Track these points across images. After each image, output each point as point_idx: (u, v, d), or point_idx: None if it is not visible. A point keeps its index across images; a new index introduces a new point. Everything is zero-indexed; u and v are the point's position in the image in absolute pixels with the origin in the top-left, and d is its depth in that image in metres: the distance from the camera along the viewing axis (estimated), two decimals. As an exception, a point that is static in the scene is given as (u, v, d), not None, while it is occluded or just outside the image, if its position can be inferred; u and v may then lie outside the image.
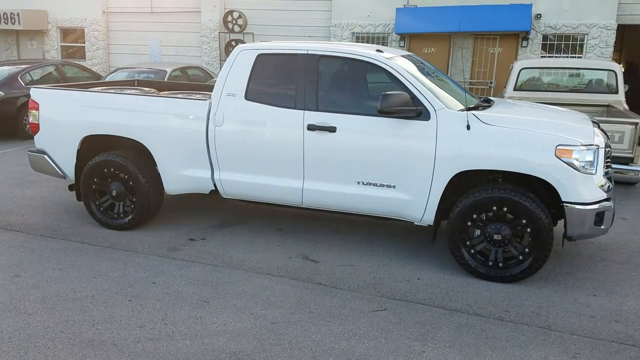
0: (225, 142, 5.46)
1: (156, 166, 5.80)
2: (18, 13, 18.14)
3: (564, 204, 4.62)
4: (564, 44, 14.21)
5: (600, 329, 4.07)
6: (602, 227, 4.73)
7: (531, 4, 13.67)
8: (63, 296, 4.37)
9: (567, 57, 14.00)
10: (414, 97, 4.93)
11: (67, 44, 19.35)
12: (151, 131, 5.65)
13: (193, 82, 10.29)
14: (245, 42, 16.14)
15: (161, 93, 6.62)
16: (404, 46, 15.23)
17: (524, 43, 14.34)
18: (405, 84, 5.00)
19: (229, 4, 17.13)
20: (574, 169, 4.57)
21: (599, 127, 5.27)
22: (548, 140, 4.62)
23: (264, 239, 5.76)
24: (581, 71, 10.21)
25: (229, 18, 16.82)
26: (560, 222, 5.10)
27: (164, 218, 6.35)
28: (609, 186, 4.83)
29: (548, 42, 14.31)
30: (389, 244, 5.70)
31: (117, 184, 5.87)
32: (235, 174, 5.54)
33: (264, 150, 5.35)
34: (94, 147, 6.06)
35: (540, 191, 4.93)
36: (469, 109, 5.04)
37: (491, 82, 14.62)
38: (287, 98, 5.32)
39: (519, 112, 5.29)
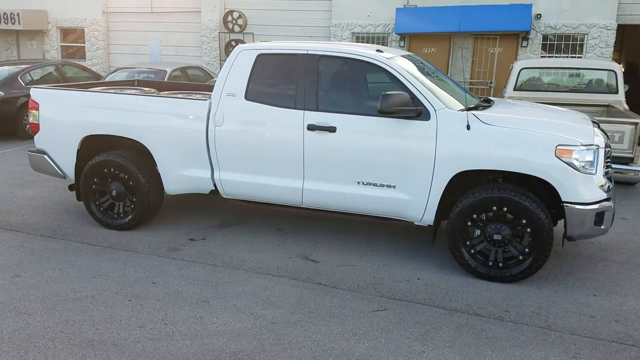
0: (225, 142, 5.46)
1: (156, 166, 5.80)
2: (18, 13, 18.15)
3: (564, 204, 4.62)
4: (564, 44, 14.21)
5: (600, 329, 4.07)
6: (602, 227, 4.73)
7: (531, 4, 13.67)
8: (63, 296, 4.37)
9: (567, 57, 14.00)
10: (414, 97, 4.93)
11: (67, 44, 19.36)
12: (151, 131, 5.65)
13: (193, 82, 10.29)
14: (245, 42, 16.16)
15: (161, 93, 6.62)
16: (404, 46, 15.23)
17: (524, 43, 14.34)
18: (405, 84, 5.00)
19: (229, 4, 17.13)
20: (574, 169, 4.57)
21: (599, 127, 5.28)
22: (548, 140, 4.62)
23: (264, 239, 5.76)
24: (581, 71, 10.22)
25: (229, 18, 16.82)
26: (560, 222, 5.10)
27: (164, 218, 6.35)
28: (609, 186, 4.83)
29: (548, 42, 14.31)
30: (389, 244, 5.70)
31: (117, 184, 5.87)
32: (235, 174, 5.54)
33: (264, 150, 5.36)
34: (94, 147, 6.06)
35: (540, 191, 4.93)
36: (469, 109, 5.04)
37: (491, 82, 14.63)
38: (287, 98, 5.32)
39: (519, 112, 5.29)
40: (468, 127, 4.79)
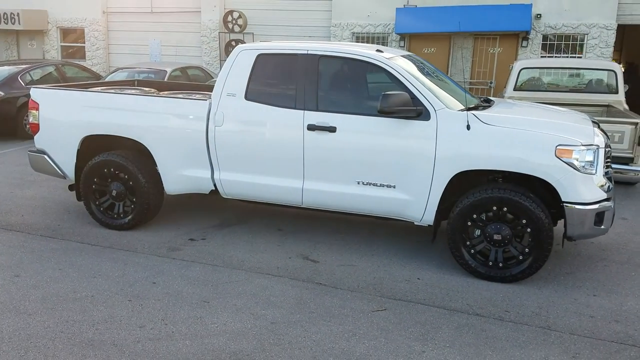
0: (225, 142, 5.46)
1: (156, 166, 5.80)
2: (18, 13, 18.15)
3: (564, 204, 4.62)
4: (564, 44, 14.21)
5: (600, 329, 4.07)
6: (602, 227, 4.72)
7: (531, 4, 13.67)
8: (63, 296, 4.37)
9: (567, 57, 14.00)
10: (414, 97, 4.93)
11: (67, 44, 19.35)
12: (151, 131, 5.65)
13: (193, 82, 10.29)
14: (245, 42, 16.16)
15: (161, 93, 6.62)
16: (404, 46, 15.23)
17: (524, 43, 14.34)
18: (405, 84, 5.00)
19: (229, 4, 17.13)
20: (574, 169, 4.57)
21: (599, 127, 5.27)
22: (548, 140, 4.62)
23: (264, 239, 5.76)
24: (581, 71, 10.22)
25: (229, 18, 16.82)
26: (560, 222, 5.10)
27: (163, 218, 6.35)
28: (609, 186, 4.83)
29: (548, 42, 14.31)
30: (389, 244, 5.70)
31: (117, 184, 5.87)
32: (236, 174, 5.54)
33: (264, 150, 5.35)
34: (94, 147, 6.06)
35: (540, 191, 4.93)
36: (469, 109, 5.04)
37: (491, 82, 14.63)
38: (287, 98, 5.32)
39: (519, 112, 5.29)
40: (468, 127, 4.79)
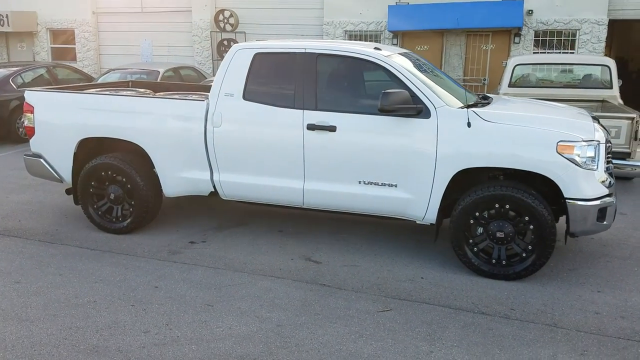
0: (224, 143, 5.42)
1: (154, 168, 5.74)
2: (7, 15, 17.97)
3: (566, 200, 4.62)
4: (556, 39, 14.25)
5: (607, 325, 4.07)
6: (605, 222, 4.73)
7: (523, 0, 13.69)
8: (65, 302, 4.32)
9: (561, 53, 14.04)
10: (413, 95, 4.91)
11: (57, 45, 19.19)
12: (149, 133, 5.59)
13: (188, 83, 10.22)
14: (237, 41, 16.09)
15: (157, 94, 6.56)
16: (396, 44, 15.21)
17: (516, 39, 14.36)
18: (405, 81, 4.98)
19: (220, 2, 17.04)
20: (576, 165, 4.56)
21: (598, 122, 5.28)
22: (549, 136, 4.61)
23: (265, 241, 5.72)
24: (575, 66, 10.23)
25: (221, 17, 16.74)
26: (562, 219, 5.10)
27: (162, 221, 6.30)
28: (610, 182, 4.83)
29: (540, 38, 14.34)
30: (391, 244, 5.68)
31: (114, 187, 5.81)
32: (235, 175, 5.50)
33: (264, 150, 5.32)
34: (90, 150, 6.00)
35: (541, 188, 4.92)
36: (468, 106, 5.02)
37: (484, 79, 14.65)
38: (286, 97, 5.28)
39: (518, 108, 5.29)
40: (469, 125, 4.78)
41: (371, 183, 5.10)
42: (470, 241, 4.88)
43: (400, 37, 15.25)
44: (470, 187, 4.97)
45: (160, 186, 5.78)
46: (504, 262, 4.80)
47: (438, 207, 4.93)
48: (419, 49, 14.95)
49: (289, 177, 5.32)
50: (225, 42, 16.61)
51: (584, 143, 4.61)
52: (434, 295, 4.52)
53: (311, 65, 5.24)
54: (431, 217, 5.01)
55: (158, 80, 11.81)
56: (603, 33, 13.75)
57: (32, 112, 6.01)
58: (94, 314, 4.13)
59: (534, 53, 14.18)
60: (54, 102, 5.95)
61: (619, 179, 8.12)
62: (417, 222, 5.13)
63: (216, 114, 5.41)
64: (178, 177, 5.66)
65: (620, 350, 3.73)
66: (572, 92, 9.68)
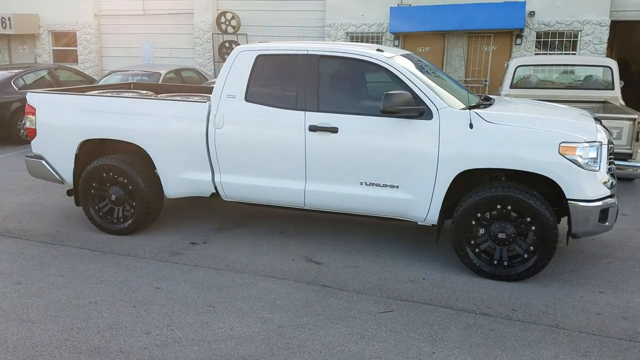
0: (226, 145, 5.42)
1: (155, 170, 5.74)
2: (9, 17, 17.99)
3: (569, 201, 4.61)
4: (558, 41, 14.24)
5: (609, 326, 4.06)
6: (607, 223, 4.72)
7: (525, 2, 13.68)
8: (66, 303, 4.31)
9: (562, 54, 14.03)
10: (416, 97, 4.91)
11: (58, 47, 19.21)
12: (150, 134, 5.59)
13: (190, 85, 10.23)
14: (239, 43, 16.11)
15: (159, 96, 6.56)
16: (398, 45, 15.22)
17: (518, 41, 14.36)
18: (407, 83, 4.98)
19: (222, 5, 17.07)
20: (578, 166, 4.56)
21: (600, 123, 5.27)
22: (551, 137, 4.60)
23: (266, 242, 5.72)
24: (577, 68, 10.22)
25: (222, 19, 16.75)
26: (563, 220, 5.09)
27: (163, 222, 6.30)
28: (612, 182, 4.82)
29: (542, 40, 14.34)
30: (392, 245, 5.68)
31: (116, 188, 5.81)
32: (236, 176, 5.50)
33: (265, 152, 5.32)
34: (92, 151, 6.00)
35: (542, 189, 4.92)
36: (470, 108, 5.02)
37: (486, 80, 14.65)
38: (288, 99, 5.28)
39: (520, 109, 5.28)
40: (471, 126, 4.78)
41: (373, 184, 5.09)
42: (472, 242, 4.88)
43: (402, 39, 15.26)
44: (472, 188, 4.96)
45: (162, 187, 5.78)
46: (505, 263, 4.80)
47: (440, 208, 4.93)
48: (420, 50, 14.96)
49: (290, 179, 5.32)
50: (227, 44, 16.63)
51: (586, 144, 4.60)
52: (436, 296, 4.51)
53: (313, 67, 5.24)
54: (433, 218, 5.01)
55: (159, 82, 11.82)
56: (605, 34, 13.74)
57: (33, 113, 6.01)
58: (95, 315, 4.13)
59: (535, 54, 14.18)
60: (55, 103, 5.95)
61: (621, 180, 8.12)
62: (419, 223, 5.13)
63: (218, 116, 5.41)
64: (179, 178, 5.67)
65: (622, 351, 3.72)
66: (574, 93, 9.67)
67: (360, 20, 15.57)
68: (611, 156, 5.02)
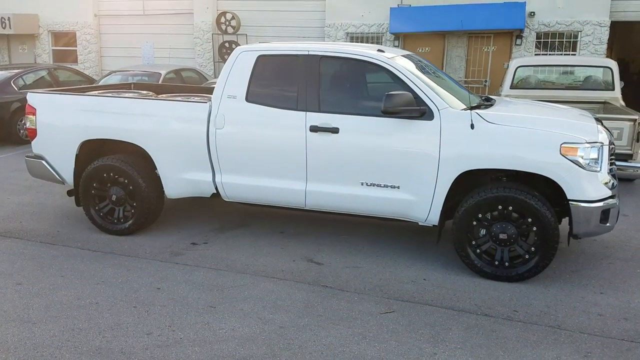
0: (227, 145, 5.42)
1: (156, 170, 5.74)
2: (9, 17, 17.98)
3: (570, 202, 4.61)
4: (558, 41, 14.25)
5: (610, 327, 4.05)
6: (608, 224, 4.72)
7: (525, 2, 13.68)
8: (67, 304, 4.31)
9: (563, 54, 14.03)
10: (417, 97, 4.90)
11: (58, 47, 19.20)
12: (151, 134, 5.59)
13: (191, 85, 10.23)
14: (239, 44, 16.10)
15: (160, 96, 6.55)
16: (398, 46, 15.22)
17: (518, 41, 14.36)
18: (408, 83, 4.98)
19: (222, 5, 17.06)
20: (579, 166, 4.56)
21: (601, 124, 5.27)
22: (553, 138, 4.60)
23: (266, 242, 5.71)
24: (577, 68, 10.22)
25: (222, 19, 16.74)
26: (564, 220, 5.09)
27: (164, 222, 6.29)
28: (613, 183, 4.82)
29: (542, 40, 14.34)
30: (393, 245, 5.67)
31: (116, 188, 5.80)
32: (237, 176, 5.49)
33: (266, 152, 5.31)
34: (92, 151, 6.00)
35: (544, 189, 4.92)
36: (472, 108, 5.02)
37: (486, 81, 14.65)
38: (289, 99, 5.28)
39: (521, 110, 5.28)
40: (472, 126, 4.77)
41: (374, 185, 5.09)
42: (473, 243, 4.88)
43: (402, 39, 15.26)
44: (473, 188, 4.96)
45: (162, 187, 5.77)
46: (506, 264, 4.79)
47: (441, 208, 4.93)
48: (420, 50, 14.96)
49: (291, 179, 5.31)
50: (227, 45, 16.62)
51: (588, 145, 4.60)
52: (437, 297, 4.51)
53: (314, 68, 5.23)
54: (434, 218, 5.00)
55: (159, 82, 11.81)
56: (605, 35, 13.74)
57: (34, 114, 6.01)
58: (96, 315, 4.12)
59: (535, 55, 14.18)
60: (56, 104, 5.94)
61: (621, 181, 8.12)
62: (420, 223, 5.12)
63: (219, 116, 5.41)
64: (180, 179, 5.66)
65: (624, 352, 3.72)
66: (574, 93, 9.66)
67: (360, 21, 15.56)
68: (612, 157, 5.02)
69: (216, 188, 5.63)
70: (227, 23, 16.72)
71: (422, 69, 5.43)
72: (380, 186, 5.07)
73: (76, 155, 5.90)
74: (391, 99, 4.75)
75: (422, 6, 14.49)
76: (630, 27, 16.04)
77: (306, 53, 5.28)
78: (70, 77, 13.07)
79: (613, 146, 5.08)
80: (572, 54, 14.01)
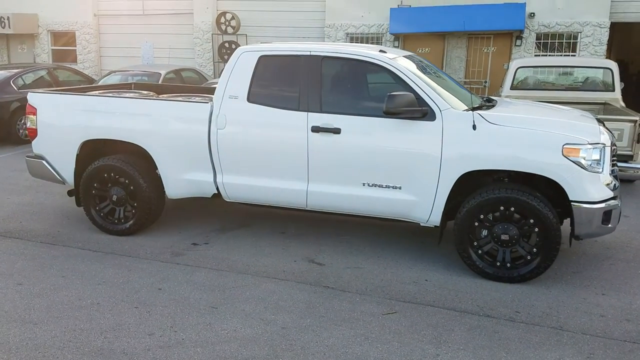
0: (228, 145, 5.41)
1: (157, 170, 5.73)
2: (8, 17, 17.95)
3: (572, 203, 4.61)
4: (558, 42, 14.26)
5: (612, 328, 4.05)
6: (610, 225, 4.72)
7: (525, 3, 13.69)
8: (68, 304, 4.30)
9: (563, 55, 14.04)
10: (419, 98, 4.90)
11: (57, 47, 19.17)
12: (152, 135, 5.58)
13: (191, 85, 10.22)
14: (238, 44, 16.09)
15: (161, 96, 6.54)
16: (398, 46, 15.22)
17: (518, 42, 14.37)
18: (410, 84, 4.97)
19: (221, 5, 17.05)
20: (581, 167, 4.55)
21: (603, 125, 5.27)
22: (555, 139, 4.60)
23: (267, 243, 5.71)
24: (577, 69, 10.22)
25: (222, 19, 16.73)
26: (566, 221, 5.09)
27: (164, 223, 6.28)
28: (615, 184, 4.82)
29: (542, 41, 14.35)
30: (394, 246, 5.67)
31: (117, 188, 5.79)
32: (238, 177, 5.48)
33: (267, 152, 5.30)
34: (93, 151, 5.98)
35: (545, 190, 4.91)
36: (473, 109, 5.01)
37: (485, 82, 14.65)
38: (290, 100, 5.27)
39: (523, 111, 5.28)
40: (474, 127, 4.77)
41: (375, 185, 5.08)
42: (475, 244, 4.87)
43: (402, 40, 15.26)
44: (475, 189, 4.96)
45: (163, 188, 5.76)
46: (508, 265, 4.79)
47: (442, 209, 4.92)
48: (420, 51, 14.96)
49: (292, 179, 5.30)
50: (227, 45, 16.61)
51: (590, 146, 4.60)
52: (439, 298, 4.50)
53: (316, 68, 5.23)
54: (435, 219, 5.00)
55: (159, 82, 11.80)
56: (605, 36, 13.75)
57: (34, 113, 5.99)
58: (97, 316, 4.11)
59: (535, 56, 14.18)
60: (57, 104, 5.93)
61: (621, 182, 8.12)
62: (421, 224, 5.12)
63: (220, 116, 5.40)
64: (181, 179, 5.65)
65: (626, 354, 3.71)
66: (574, 94, 9.66)
67: (360, 21, 15.56)
68: (614, 158, 5.02)
69: (217, 188, 5.62)
70: (227, 23, 16.71)
71: (423, 69, 5.42)
72: (382, 187, 5.07)
73: (77, 155, 5.88)
74: (393, 99, 4.74)
75: (422, 7, 14.50)
76: (629, 28, 16.06)
77: (308, 53, 5.28)
78: (70, 77, 13.05)
79: (615, 147, 5.08)
80: (571, 55, 14.02)
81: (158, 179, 5.74)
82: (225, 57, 16.41)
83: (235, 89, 5.40)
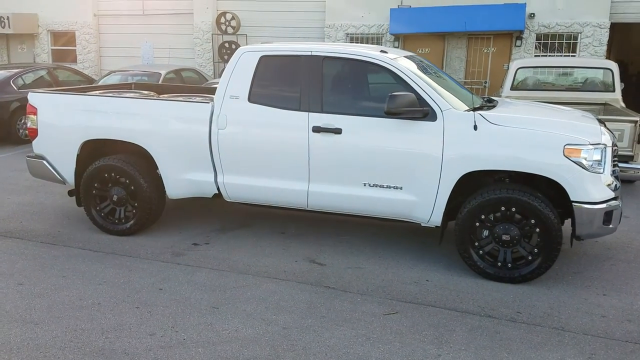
0: (229, 145, 5.40)
1: (158, 170, 5.72)
2: (8, 17, 17.94)
3: (573, 203, 4.61)
4: (558, 42, 14.26)
5: (614, 328, 4.05)
6: (611, 226, 4.72)
7: (525, 4, 13.69)
8: (69, 304, 4.29)
9: (563, 56, 14.04)
10: (420, 98, 4.90)
11: (57, 47, 19.16)
12: (153, 135, 5.57)
13: (192, 85, 10.21)
14: (238, 44, 16.09)
15: (161, 96, 6.54)
16: (398, 46, 15.22)
17: (518, 42, 14.37)
18: (411, 84, 4.97)
19: (221, 5, 17.04)
20: (583, 168, 4.55)
21: (604, 125, 5.27)
22: (556, 139, 4.60)
23: (268, 243, 5.70)
24: (577, 69, 10.22)
25: (222, 19, 16.73)
26: (567, 222, 5.08)
27: (165, 223, 6.28)
28: (616, 185, 4.82)
29: (542, 41, 14.35)
30: (395, 246, 5.67)
31: (118, 188, 5.79)
32: (239, 177, 5.48)
33: (268, 153, 5.30)
34: (94, 151, 5.98)
35: (546, 190, 4.91)
36: (474, 109, 5.01)
37: (485, 82, 14.65)
38: (291, 100, 5.27)
39: (524, 111, 5.27)
40: (475, 128, 4.77)
41: (376, 185, 5.08)
42: (476, 244, 4.87)
43: (402, 40, 15.26)
44: (476, 189, 4.96)
45: (164, 188, 5.76)
46: (509, 265, 4.79)
47: (443, 209, 4.92)
48: (420, 51, 14.95)
49: (293, 179, 5.30)
50: (227, 45, 16.60)
51: (591, 146, 4.60)
52: (440, 298, 4.50)
53: (317, 68, 5.23)
54: (436, 219, 5.00)
55: (160, 82, 11.79)
56: (605, 36, 13.75)
57: (35, 113, 5.99)
58: (98, 316, 4.11)
59: (535, 56, 14.19)
60: (57, 103, 5.93)
61: (622, 182, 8.12)
62: (422, 224, 5.12)
63: (221, 116, 5.40)
64: (182, 179, 5.64)
65: (627, 354, 3.71)
66: (575, 95, 9.66)
67: (360, 22, 15.56)
68: (615, 158, 5.02)
69: (218, 188, 5.61)
70: (227, 23, 16.71)
71: (424, 70, 5.42)
72: (383, 187, 5.06)
73: (77, 155, 5.88)
74: (394, 99, 4.74)
75: (422, 7, 14.49)
76: (629, 28, 16.06)
77: (309, 54, 5.27)
78: (70, 77, 13.04)
79: (616, 148, 5.08)
80: (571, 56, 14.02)
81: (159, 179, 5.74)
82: (225, 57, 16.41)
83: (236, 89, 5.40)
